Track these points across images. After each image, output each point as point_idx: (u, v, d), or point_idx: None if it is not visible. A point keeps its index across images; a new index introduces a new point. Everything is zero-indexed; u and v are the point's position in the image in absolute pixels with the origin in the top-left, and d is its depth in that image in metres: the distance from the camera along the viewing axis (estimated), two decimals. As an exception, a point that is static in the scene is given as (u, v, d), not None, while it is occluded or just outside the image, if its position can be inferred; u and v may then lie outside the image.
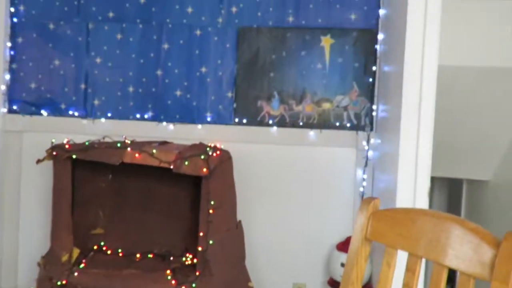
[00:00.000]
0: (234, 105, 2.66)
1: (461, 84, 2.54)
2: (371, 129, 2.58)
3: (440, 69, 2.01)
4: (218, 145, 2.45)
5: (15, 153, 2.77)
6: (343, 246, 2.46)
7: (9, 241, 2.78)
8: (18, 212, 2.78)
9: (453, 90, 2.55)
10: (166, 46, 2.68)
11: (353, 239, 1.07)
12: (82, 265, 2.32)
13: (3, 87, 2.74)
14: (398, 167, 2.09)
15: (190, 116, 2.69)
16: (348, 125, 2.60)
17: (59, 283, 2.19)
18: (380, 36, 2.54)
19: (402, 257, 1.00)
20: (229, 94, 2.66)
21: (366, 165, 2.57)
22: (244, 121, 2.65)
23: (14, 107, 2.77)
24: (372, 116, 2.58)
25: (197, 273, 2.17)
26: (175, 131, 2.69)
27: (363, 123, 2.59)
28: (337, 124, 2.61)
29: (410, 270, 0.94)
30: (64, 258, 2.27)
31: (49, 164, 2.40)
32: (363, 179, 2.56)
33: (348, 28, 2.57)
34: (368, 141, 2.56)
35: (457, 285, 0.90)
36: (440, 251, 0.89)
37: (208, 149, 2.27)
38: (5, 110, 2.76)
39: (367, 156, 2.56)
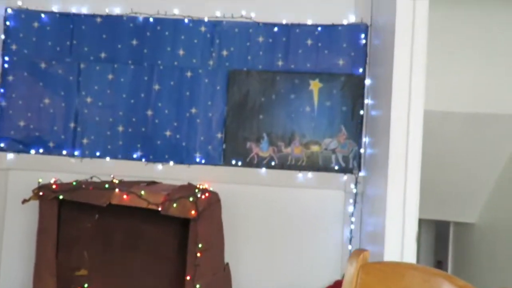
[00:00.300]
0: (224, 146, 2.68)
1: (448, 128, 2.60)
2: (359, 172, 2.60)
3: (427, 114, 2.06)
4: (207, 186, 2.46)
5: (0, 191, 2.73)
6: (332, 290, 2.44)
7: (-11, 282, 2.71)
8: None
9: (440, 135, 2.60)
10: (157, 87, 2.71)
11: (343, 291, 1.07)
12: (64, 309, 2.27)
13: (-9, 126, 2.73)
14: (386, 210, 2.10)
15: (179, 156, 2.69)
16: (336, 167, 2.62)
17: (40, 328, 2.13)
18: (367, 81, 2.61)
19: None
20: (219, 135, 2.68)
21: (354, 207, 2.58)
22: (233, 162, 2.67)
23: (1, 145, 2.75)
24: (360, 159, 2.61)
25: (183, 319, 2.12)
26: (164, 171, 2.69)
27: (351, 165, 2.61)
28: (326, 166, 2.63)
29: (400, 326, 0.94)
30: (46, 301, 2.21)
31: (34, 203, 2.36)
32: (351, 222, 2.56)
33: (336, 73, 2.63)
34: (356, 184, 2.58)
35: None
36: (430, 307, 0.89)
37: (196, 190, 2.27)
38: (-8, 147, 2.75)
39: (355, 199, 2.58)
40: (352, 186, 2.59)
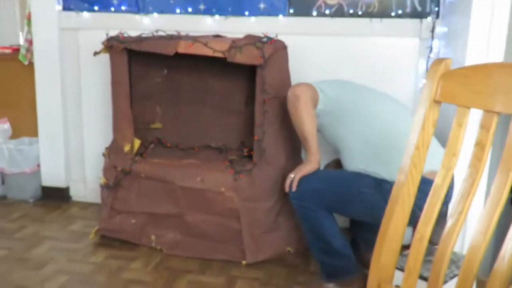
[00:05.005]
0: (289, -5, 2.53)
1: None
2: (437, 17, 2.39)
3: None
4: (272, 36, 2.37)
5: (73, 50, 2.82)
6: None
7: (74, 136, 2.92)
8: (80, 108, 2.88)
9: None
10: None
11: (420, 103, 1.01)
12: (143, 155, 2.42)
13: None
14: (466, 57, 1.95)
15: (242, 7, 2.58)
16: (412, 12, 2.42)
17: (123, 170, 2.31)
18: None
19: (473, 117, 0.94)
20: (283, -17, 2.52)
21: (429, 56, 2.41)
22: (299, 11, 2.53)
23: (69, 5, 2.77)
24: (438, 2, 2.38)
25: (254, 162, 2.20)
26: (227, 24, 2.61)
27: (428, 9, 2.40)
28: (400, 12, 2.43)
29: (484, 127, 0.89)
30: (127, 148, 2.36)
31: (106, 60, 2.42)
32: (426, 70, 2.42)
33: None
34: (433, 30, 2.38)
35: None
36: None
37: (262, 39, 2.20)
38: (60, 7, 2.77)
39: (431, 46, 2.40)
40: (429, 32, 2.40)
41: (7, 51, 3.24)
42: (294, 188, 1.87)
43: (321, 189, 1.85)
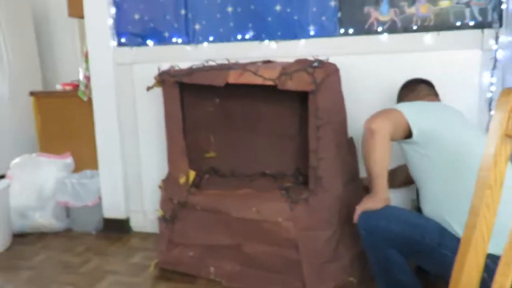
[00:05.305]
0: (339, 15, 2.46)
1: None
2: (500, 26, 2.23)
3: None
4: (323, 59, 2.31)
5: (128, 84, 2.89)
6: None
7: (132, 168, 2.98)
8: (137, 140, 2.94)
9: None
10: (261, -42, 2.52)
11: (490, 138, 0.91)
12: (199, 187, 2.41)
13: (111, 21, 2.82)
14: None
15: (292, 31, 2.54)
16: (472, 23, 2.27)
17: (179, 203, 2.31)
18: None
19: None
20: (332, 3, 2.45)
21: (494, 67, 2.25)
22: (351, 31, 2.45)
23: (122, 40, 2.85)
24: (501, 10, 2.22)
25: (310, 190, 2.13)
26: (278, 48, 2.58)
27: (490, 19, 2.24)
28: (458, 23, 2.29)
29: None
30: (182, 180, 2.36)
31: (160, 93, 2.46)
32: (491, 84, 2.26)
33: None
34: (496, 40, 2.22)
35: None
36: None
37: (313, 63, 2.14)
38: (115, 43, 2.86)
39: (495, 56, 2.24)
40: (492, 42, 2.24)
41: (68, 88, 3.39)
42: (355, 220, 1.77)
43: (396, 231, 1.70)
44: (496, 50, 2.23)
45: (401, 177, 2.27)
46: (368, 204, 1.77)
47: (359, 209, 1.78)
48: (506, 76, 2.23)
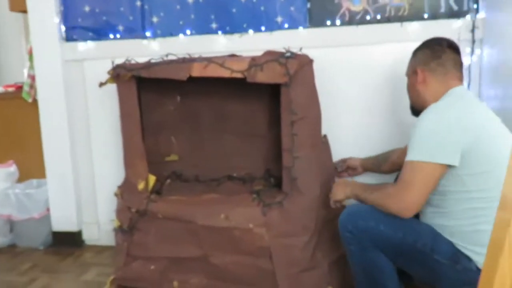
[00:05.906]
0: (308, 5, 2.30)
1: None
2: (477, 13, 2.13)
3: None
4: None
5: (79, 83, 2.63)
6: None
7: (85, 176, 2.72)
8: (89, 145, 2.68)
9: None
10: None
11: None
12: (160, 193, 2.19)
13: (58, 14, 2.56)
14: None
15: (258, 23, 2.37)
16: (447, 12, 2.17)
17: (138, 211, 2.07)
18: None
19: None
20: (301, -8, 2.30)
21: (471, 58, 2.16)
22: (321, 22, 2.30)
23: (71, 34, 2.59)
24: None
25: (284, 193, 1.95)
26: (244, 42, 2.39)
27: (465, 7, 2.15)
28: (433, 12, 2.19)
29: None
30: (141, 185, 2.12)
31: (114, 91, 2.21)
32: (468, 84, 2.15)
33: None
34: (473, 30, 2.13)
35: None
36: None
37: (285, 54, 1.96)
38: (62, 38, 2.59)
39: (472, 48, 2.15)
40: (468, 33, 2.14)
41: (10, 89, 3.08)
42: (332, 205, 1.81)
43: (386, 233, 1.54)
44: (473, 41, 2.14)
45: (389, 164, 2.16)
46: (339, 188, 1.79)
47: (333, 197, 1.80)
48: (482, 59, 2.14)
